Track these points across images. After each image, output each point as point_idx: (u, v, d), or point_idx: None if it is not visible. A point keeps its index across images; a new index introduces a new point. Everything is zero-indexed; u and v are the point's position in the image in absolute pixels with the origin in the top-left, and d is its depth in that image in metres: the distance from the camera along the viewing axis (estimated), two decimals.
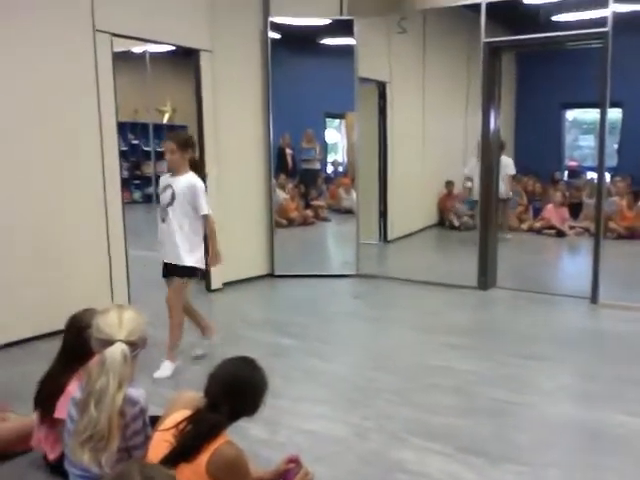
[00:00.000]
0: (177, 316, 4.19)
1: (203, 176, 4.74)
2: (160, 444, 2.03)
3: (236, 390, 2.09)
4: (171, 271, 4.17)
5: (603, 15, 5.49)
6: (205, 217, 4.16)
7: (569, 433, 3.33)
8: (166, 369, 4.07)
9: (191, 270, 4.18)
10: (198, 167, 4.44)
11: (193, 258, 4.15)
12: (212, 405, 2.06)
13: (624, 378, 3.96)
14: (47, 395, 2.74)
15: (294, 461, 2.37)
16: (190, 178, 4.15)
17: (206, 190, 4.20)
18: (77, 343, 2.68)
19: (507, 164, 8.90)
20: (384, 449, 3.05)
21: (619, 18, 5.47)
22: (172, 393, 3.10)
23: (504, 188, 8.88)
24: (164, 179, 4.26)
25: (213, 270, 6.16)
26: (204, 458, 1.96)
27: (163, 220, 4.18)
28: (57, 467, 2.71)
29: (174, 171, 4.18)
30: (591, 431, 3.33)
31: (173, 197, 4.11)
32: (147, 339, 2.40)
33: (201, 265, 4.25)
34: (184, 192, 4.10)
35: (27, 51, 4.56)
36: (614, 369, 4.12)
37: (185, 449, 1.96)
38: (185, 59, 6.57)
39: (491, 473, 2.83)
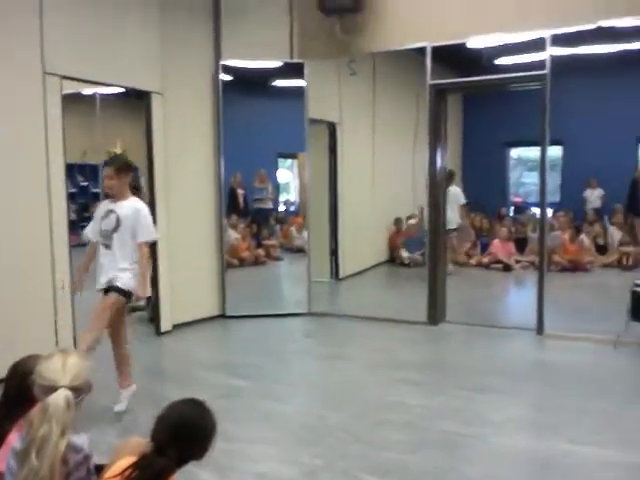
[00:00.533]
0: (96, 328, 3.98)
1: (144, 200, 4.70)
2: None
3: (184, 433, 2.07)
4: (108, 289, 4.05)
5: (542, 58, 5.77)
6: (140, 245, 4.06)
7: (518, 464, 3.39)
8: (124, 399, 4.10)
9: (129, 293, 4.08)
10: (139, 191, 4.43)
11: (134, 283, 4.06)
12: (159, 449, 2.03)
13: (570, 408, 4.06)
14: None
15: None
16: (134, 203, 4.11)
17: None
18: (19, 391, 2.60)
19: (456, 194, 9.15)
20: None
21: (557, 61, 5.76)
22: (117, 440, 3.04)
23: (455, 217, 9.14)
24: (104, 205, 4.18)
25: (163, 311, 6.13)
26: None
27: (107, 246, 4.07)
28: None
29: (115, 196, 4.12)
30: (539, 461, 3.40)
31: (118, 222, 4.04)
32: (92, 384, 2.37)
33: (148, 293, 4.25)
34: (129, 216, 4.03)
35: None
36: (560, 399, 4.23)
37: None
38: (135, 101, 6.58)
39: None
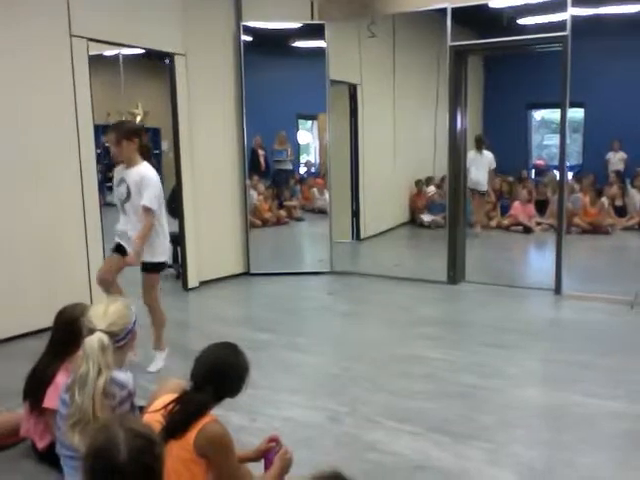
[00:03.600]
0: (156, 310, 4.24)
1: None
2: (151, 424, 2.16)
3: (220, 372, 2.24)
4: (144, 268, 4.14)
5: (563, 19, 5.74)
6: (144, 208, 3.96)
7: (532, 414, 3.54)
8: (159, 360, 4.22)
9: (158, 265, 4.17)
10: (147, 155, 4.27)
11: (157, 251, 4.12)
12: (198, 387, 2.20)
13: (583, 363, 4.19)
14: (36, 386, 2.86)
15: (274, 440, 2.52)
16: (141, 169, 4.02)
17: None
18: (65, 335, 2.81)
19: (489, 158, 9.30)
20: (358, 432, 3.23)
21: (578, 21, 5.72)
22: (152, 386, 3.24)
23: (485, 181, 9.30)
24: (119, 171, 4.14)
25: (190, 269, 6.32)
26: (192, 435, 2.10)
27: (123, 212, 4.12)
28: (46, 456, 2.83)
29: (126, 163, 4.07)
30: (552, 411, 3.56)
31: (129, 192, 4.02)
32: (133, 332, 2.54)
33: (166, 258, 4.27)
34: (137, 185, 3.99)
35: (6, 57, 4.64)
36: (574, 355, 4.35)
37: (174, 427, 2.10)
38: (157, 62, 6.66)
39: (458, 449, 3.02)
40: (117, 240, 4.20)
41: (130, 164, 4.06)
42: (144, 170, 4.03)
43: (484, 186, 9.53)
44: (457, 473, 2.84)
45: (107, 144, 4.08)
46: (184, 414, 2.13)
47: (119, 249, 4.19)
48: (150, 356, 4.25)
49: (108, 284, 4.14)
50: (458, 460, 2.93)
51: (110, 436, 1.54)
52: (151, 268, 4.14)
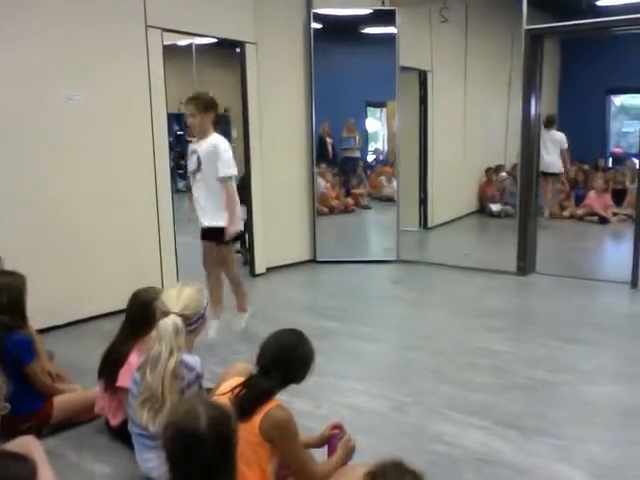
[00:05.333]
0: (234, 276, 4.46)
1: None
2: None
3: (286, 358, 2.26)
4: (213, 236, 4.25)
5: None
6: (221, 180, 4.11)
7: (605, 411, 3.42)
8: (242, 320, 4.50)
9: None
10: (221, 128, 4.44)
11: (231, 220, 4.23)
12: (264, 372, 2.24)
13: None
14: (110, 365, 2.98)
15: (338, 427, 2.54)
16: (213, 140, 4.14)
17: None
18: (139, 317, 2.91)
19: (559, 138, 8.90)
20: (423, 422, 3.21)
21: None
22: (219, 369, 3.31)
23: (557, 162, 8.89)
24: (192, 145, 4.27)
25: (257, 255, 6.42)
26: (257, 418, 2.14)
27: (195, 184, 4.24)
28: (119, 432, 2.95)
29: (198, 135, 4.18)
30: (627, 409, 3.42)
31: (199, 162, 4.13)
32: (204, 317, 2.61)
33: (241, 227, 4.44)
34: (208, 154, 4.10)
35: (87, 47, 4.81)
36: None
37: (241, 410, 2.14)
38: (228, 51, 6.74)
39: (526, 445, 2.96)
40: (200, 222, 4.31)
41: (204, 135, 4.18)
42: (215, 140, 4.16)
43: (556, 167, 9.05)
44: (525, 468, 2.78)
45: (185, 116, 4.23)
46: (250, 398, 2.17)
47: (205, 235, 4.33)
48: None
49: (211, 270, 4.42)
50: (526, 456, 2.87)
51: (191, 408, 1.65)
52: (226, 241, 4.28)
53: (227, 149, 4.16)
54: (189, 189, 4.52)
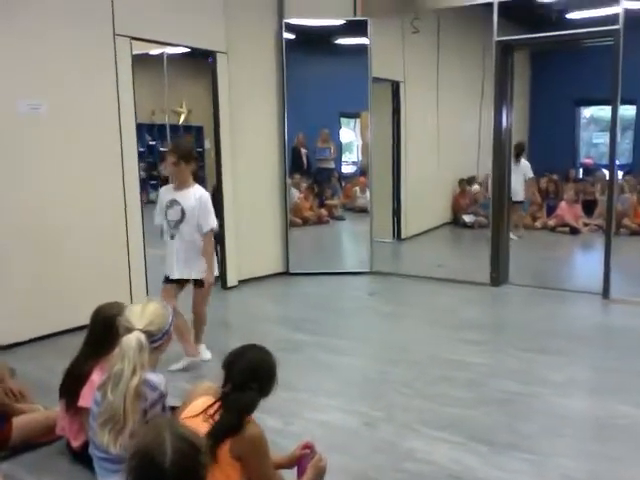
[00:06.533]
0: (204, 315, 4.38)
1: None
2: (200, 428, 2.07)
3: (254, 372, 2.20)
4: (197, 283, 4.22)
5: (615, 12, 5.52)
6: (210, 231, 4.15)
7: (576, 424, 3.40)
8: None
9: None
10: (198, 177, 4.45)
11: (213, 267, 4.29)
12: (238, 387, 2.16)
13: (633, 371, 4.02)
14: (71, 384, 2.87)
15: (309, 447, 2.47)
16: (196, 191, 4.12)
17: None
18: (101, 333, 2.81)
19: (526, 167, 9.01)
20: (395, 438, 3.15)
21: (631, 15, 5.50)
22: (187, 385, 3.22)
23: (520, 190, 8.97)
24: (167, 192, 4.20)
25: (229, 267, 6.33)
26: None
27: (173, 236, 4.15)
28: (80, 455, 2.84)
29: (178, 183, 4.14)
30: (598, 422, 3.40)
31: (183, 214, 4.08)
32: (169, 334, 2.53)
33: (217, 272, 4.41)
34: (194, 207, 4.07)
35: (51, 54, 4.71)
36: (623, 362, 4.18)
37: (226, 429, 2.07)
38: (200, 61, 6.68)
39: (498, 460, 2.91)
40: (176, 276, 4.18)
41: (183, 185, 4.14)
42: (200, 192, 4.16)
43: (519, 196, 9.12)
44: None
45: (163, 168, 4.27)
46: (234, 414, 2.11)
47: (169, 279, 4.23)
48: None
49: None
50: (498, 471, 2.82)
51: (158, 438, 1.57)
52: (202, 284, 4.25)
53: (210, 200, 4.21)
54: None
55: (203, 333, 4.44)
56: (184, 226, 4.11)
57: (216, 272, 4.37)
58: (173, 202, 4.13)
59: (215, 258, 4.35)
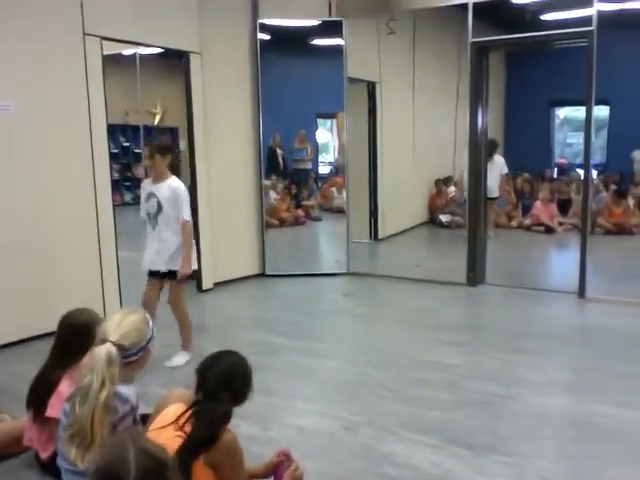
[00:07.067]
0: (182, 312, 4.34)
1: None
2: (172, 440, 2.02)
3: (229, 379, 2.14)
4: (167, 276, 4.23)
5: (588, 14, 5.55)
6: (184, 221, 4.17)
7: (555, 424, 3.38)
8: (182, 358, 4.28)
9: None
10: (176, 170, 4.50)
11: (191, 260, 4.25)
12: (211, 396, 2.10)
13: (610, 370, 4.03)
14: (39, 394, 2.77)
15: (285, 455, 2.41)
16: (172, 183, 4.18)
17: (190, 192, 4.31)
18: (69, 341, 2.72)
19: (501, 163, 9.03)
20: (373, 443, 3.10)
21: (604, 17, 5.54)
22: (162, 391, 3.13)
23: (495, 187, 9.00)
24: (146, 185, 4.29)
25: (204, 270, 6.23)
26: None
27: (154, 228, 4.23)
28: (49, 466, 2.74)
29: (156, 177, 4.22)
30: (577, 422, 3.39)
31: (160, 206, 4.15)
32: (147, 349, 2.37)
33: (195, 266, 4.36)
34: (168, 199, 4.14)
35: (19, 53, 4.58)
36: (600, 362, 4.19)
37: (203, 440, 2.01)
38: (175, 61, 6.59)
39: (478, 463, 2.88)
40: (147, 266, 4.28)
41: (160, 178, 4.20)
42: (175, 183, 4.20)
43: (494, 192, 9.18)
44: None
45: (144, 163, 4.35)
46: (208, 425, 2.04)
47: (153, 273, 4.29)
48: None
49: (153, 307, 4.21)
50: (479, 475, 2.79)
51: (121, 454, 1.49)
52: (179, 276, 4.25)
53: (185, 192, 4.23)
54: (137, 202, 4.46)
55: (190, 342, 4.37)
56: (161, 217, 4.18)
57: (194, 266, 4.32)
58: (150, 195, 4.21)
59: (194, 250, 4.29)
